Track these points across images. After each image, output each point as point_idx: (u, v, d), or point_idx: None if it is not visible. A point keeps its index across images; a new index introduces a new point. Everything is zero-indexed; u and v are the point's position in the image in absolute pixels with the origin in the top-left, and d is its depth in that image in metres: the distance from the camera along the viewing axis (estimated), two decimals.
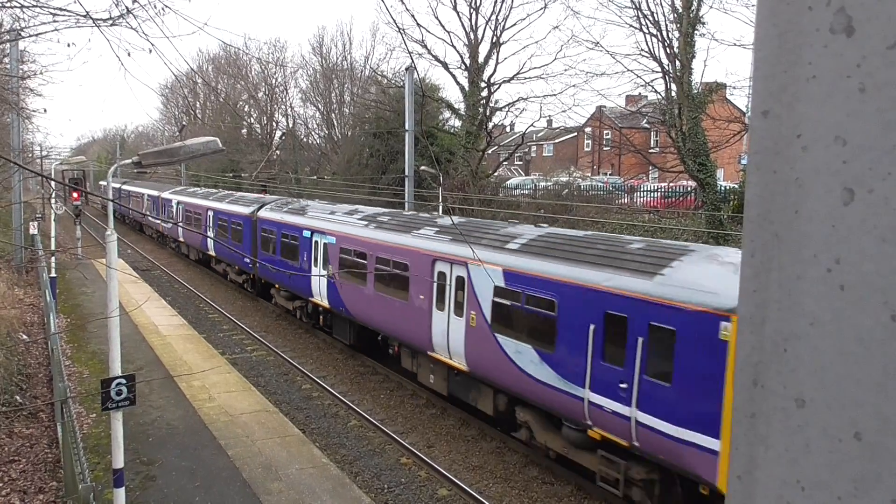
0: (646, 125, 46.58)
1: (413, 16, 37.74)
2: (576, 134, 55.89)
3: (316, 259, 21.10)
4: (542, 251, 12.74)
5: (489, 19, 33.51)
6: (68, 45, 9.63)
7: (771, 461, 0.84)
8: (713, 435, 9.15)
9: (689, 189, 27.99)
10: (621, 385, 10.52)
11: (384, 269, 17.05)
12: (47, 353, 17.53)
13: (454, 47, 35.61)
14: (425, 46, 35.03)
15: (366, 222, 19.13)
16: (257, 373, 19.10)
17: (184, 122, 72.29)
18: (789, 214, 0.81)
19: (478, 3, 33.62)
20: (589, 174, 45.36)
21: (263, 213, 26.01)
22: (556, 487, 12.61)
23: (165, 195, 42.40)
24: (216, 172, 54.32)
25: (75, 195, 31.47)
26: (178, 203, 38.73)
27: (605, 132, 46.30)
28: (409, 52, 23.74)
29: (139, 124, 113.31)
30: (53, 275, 23.03)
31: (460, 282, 14.32)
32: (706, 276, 9.82)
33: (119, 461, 8.30)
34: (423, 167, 31.91)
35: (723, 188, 25.79)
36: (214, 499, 10.23)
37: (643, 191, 31.02)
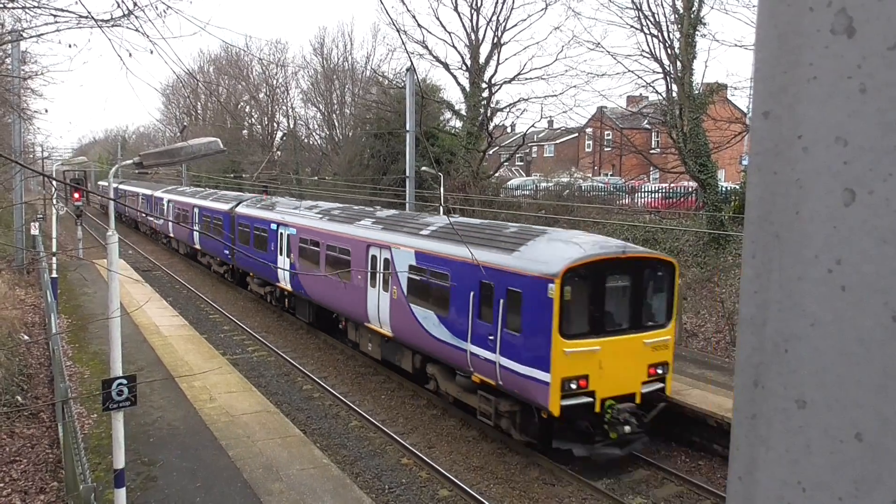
0: (647, 126, 46.56)
1: (414, 17, 37.81)
2: (577, 135, 55.87)
3: (281, 248, 23.93)
4: (444, 236, 15.54)
5: (490, 20, 33.55)
6: (70, 46, 9.64)
7: (772, 462, 0.84)
8: (546, 370, 12.01)
9: (690, 190, 27.98)
10: (490, 337, 13.25)
11: (333, 255, 20.11)
12: (48, 353, 17.54)
13: (455, 48, 35.72)
14: (426, 47, 35.19)
15: (320, 216, 22.19)
16: (258, 373, 19.11)
17: (185, 123, 72.34)
18: (790, 215, 0.81)
19: (479, 4, 33.66)
20: (590, 175, 45.35)
21: (240, 210, 28.90)
22: (556, 488, 12.61)
23: (158, 194, 44.72)
24: (217, 173, 54.33)
25: (76, 196, 31.46)
26: (169, 201, 41.12)
27: (606, 133, 46.28)
28: (409, 54, 23.78)
29: (140, 125, 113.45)
30: (55, 275, 23.04)
31: (386, 263, 17.16)
32: (545, 252, 12.86)
33: (120, 461, 8.30)
34: (423, 168, 31.92)
35: (724, 189, 25.79)
36: (215, 499, 10.23)
37: (644, 191, 31.02)
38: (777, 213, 0.82)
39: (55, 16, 11.46)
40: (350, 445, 14.40)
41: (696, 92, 23.33)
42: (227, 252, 29.73)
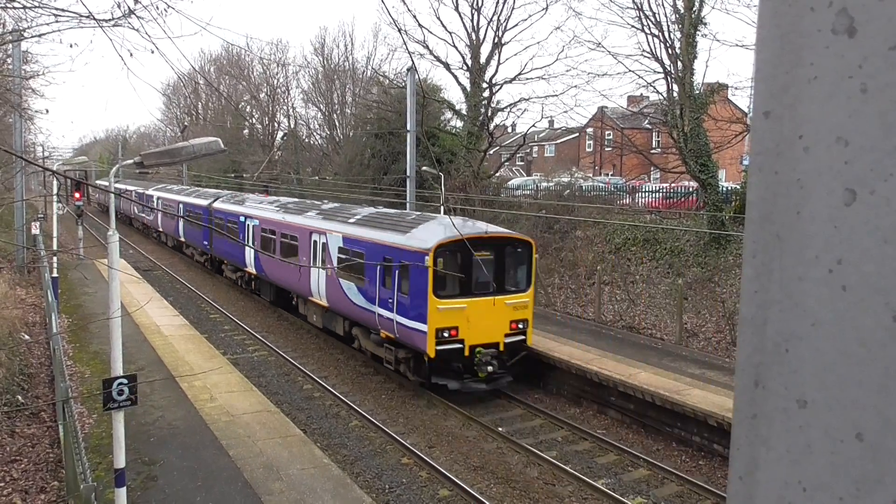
0: (647, 126, 46.54)
1: (415, 16, 37.76)
2: (577, 134, 55.84)
3: (247, 238, 27.78)
4: (364, 222, 19.43)
5: (491, 20, 33.54)
6: (71, 46, 9.64)
7: (772, 462, 0.84)
8: (424, 322, 15.71)
9: (690, 190, 27.98)
10: (389, 301, 16.95)
11: (286, 242, 23.77)
12: (49, 353, 17.54)
13: (456, 48, 35.79)
14: (427, 47, 35.15)
15: (277, 209, 25.89)
16: (259, 373, 19.11)
17: (186, 123, 72.34)
18: (791, 215, 0.81)
19: (479, 4, 33.64)
20: (590, 175, 45.32)
21: (217, 205, 32.48)
22: (557, 488, 12.61)
23: (149, 192, 47.91)
24: (218, 173, 54.31)
25: (77, 195, 31.51)
26: (158, 198, 44.75)
27: (607, 133, 46.24)
28: (410, 54, 23.75)
29: (141, 125, 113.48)
30: (55, 275, 23.03)
31: (324, 246, 20.74)
32: (426, 233, 16.62)
33: (120, 461, 8.31)
34: (424, 168, 31.91)
35: (724, 189, 25.77)
36: (216, 499, 10.23)
37: (645, 191, 31.00)
38: (778, 213, 0.82)
39: (56, 15, 11.45)
40: (350, 445, 14.41)
41: (697, 92, 23.31)
42: (206, 242, 33.39)
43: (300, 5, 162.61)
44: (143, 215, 49.35)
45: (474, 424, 15.49)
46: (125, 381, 8.12)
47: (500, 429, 15.16)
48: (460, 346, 16.07)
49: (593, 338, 19.62)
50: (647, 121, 43.59)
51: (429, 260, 15.60)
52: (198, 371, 15.68)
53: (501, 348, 16.56)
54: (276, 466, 11.33)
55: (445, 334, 15.88)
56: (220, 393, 14.94)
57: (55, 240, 26.70)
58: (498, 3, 33.43)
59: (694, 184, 25.98)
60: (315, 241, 21.36)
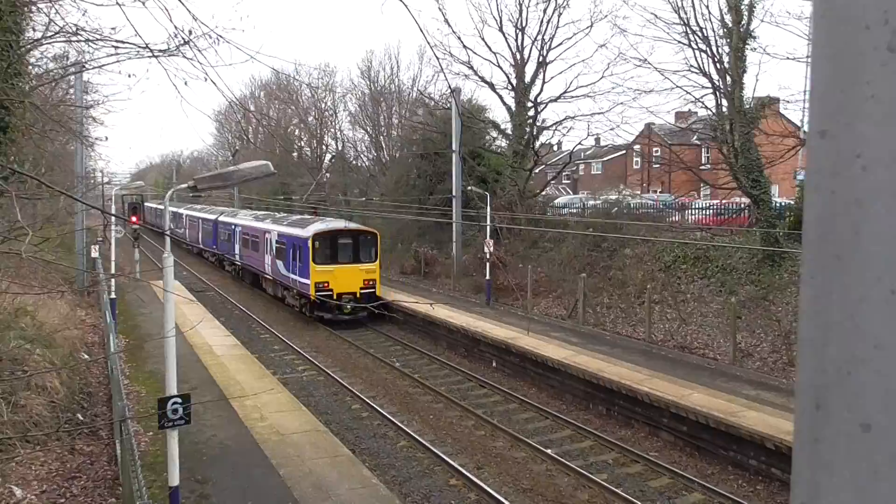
0: (696, 142, 45.80)
1: (459, 38, 37.93)
2: (624, 152, 55.30)
3: (235, 239, 39.20)
4: (287, 224, 31.04)
5: (535, 39, 33.56)
6: (129, 76, 10.03)
7: (836, 488, 0.82)
8: (308, 279, 26.70)
9: (742, 206, 27.37)
10: (294, 269, 28.12)
11: (253, 240, 35.52)
12: (107, 372, 18.05)
13: (500, 68, 35.54)
14: (472, 68, 35.25)
15: (252, 218, 38.29)
16: (308, 392, 19.31)
17: (237, 147, 74.17)
18: (850, 236, 0.79)
19: (524, 24, 33.75)
20: (638, 192, 44.77)
21: (220, 218, 44.41)
22: None
23: (180, 211, 57.41)
24: (268, 195, 55.45)
25: (134, 219, 32.53)
26: (186, 216, 55.02)
27: (655, 149, 45.64)
28: (448, 77, 24.04)
29: (194, 149, 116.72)
30: (113, 296, 23.76)
31: (269, 240, 31.88)
32: (312, 227, 28.33)
33: (175, 479, 8.47)
34: (470, 187, 31.99)
35: (778, 205, 25.13)
36: None
37: (695, 208, 30.44)
38: (836, 233, 0.80)
39: (116, 47, 11.91)
40: (399, 465, 14.40)
41: (747, 106, 22.86)
42: (214, 246, 44.72)
43: (347, 30, 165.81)
44: (177, 229, 57.75)
45: (523, 445, 15.33)
46: (179, 400, 8.30)
47: (549, 450, 14.96)
48: (330, 293, 26.77)
49: (644, 358, 19.27)
50: (695, 137, 42.91)
51: (310, 243, 27.25)
52: (248, 390, 15.94)
53: (358, 295, 27.07)
54: (325, 486, 11.39)
55: (321, 286, 26.87)
56: (270, 412, 15.13)
57: (113, 263, 27.56)
58: (542, 22, 33.43)
59: (746, 200, 25.42)
60: (267, 238, 32.74)
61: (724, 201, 29.83)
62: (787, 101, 25.74)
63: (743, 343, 19.42)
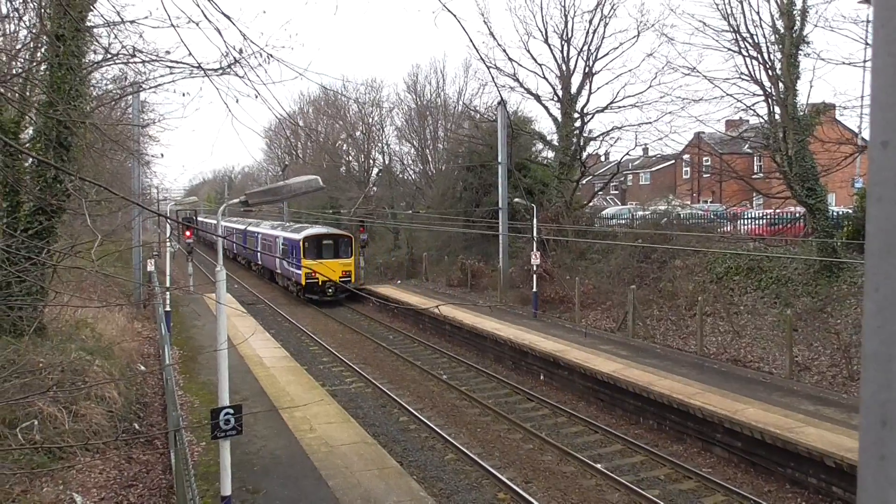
0: (748, 150, 44.83)
1: (504, 50, 37.92)
2: (673, 161, 54.45)
3: (256, 244, 48.13)
4: (289, 231, 41.43)
5: (581, 50, 33.39)
6: (183, 95, 10.35)
7: None
8: (300, 270, 36.35)
9: (797, 215, 26.63)
10: (292, 263, 38.10)
11: (269, 243, 44.84)
12: (162, 383, 18.52)
13: (546, 79, 35.33)
14: (517, 80, 35.23)
15: (269, 227, 47.22)
16: (356, 404, 19.45)
17: (286, 162, 75.56)
18: None
19: (569, 35, 33.63)
20: (688, 202, 43.98)
21: (248, 228, 52.80)
22: None
23: (221, 222, 62.49)
24: (317, 209, 56.35)
25: (188, 234, 33.48)
26: (224, 226, 58.29)
27: (705, 158, 44.82)
28: (499, 88, 24.04)
29: (245, 165, 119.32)
30: (168, 309, 24.41)
31: (279, 244, 41.27)
32: (304, 231, 38.67)
33: (227, 489, 8.62)
34: (516, 199, 31.90)
35: (835, 213, 24.37)
36: None
37: (747, 218, 29.74)
38: None
39: (171, 68, 12.29)
40: (446, 478, 14.36)
41: (801, 113, 22.28)
42: (245, 250, 54.88)
43: (393, 45, 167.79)
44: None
45: (572, 459, 15.14)
46: (231, 411, 8.46)
47: (598, 465, 14.74)
48: (316, 280, 35.85)
49: (695, 371, 18.86)
50: (747, 145, 42.00)
51: (301, 244, 36.86)
52: (298, 402, 16.14)
53: (337, 281, 35.70)
54: (373, 498, 11.44)
55: (309, 276, 35.58)
56: (320, 424, 15.29)
57: (168, 276, 28.32)
58: (588, 33, 33.25)
59: (801, 209, 24.73)
60: (276, 242, 42.51)
61: (777, 210, 29.07)
62: (844, 108, 24.94)
63: (800, 357, 18.84)
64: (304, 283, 36.62)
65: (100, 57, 16.17)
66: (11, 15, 15.55)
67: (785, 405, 15.55)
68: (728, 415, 14.95)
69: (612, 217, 37.23)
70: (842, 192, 39.77)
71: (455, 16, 4.73)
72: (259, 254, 47.82)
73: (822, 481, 13.13)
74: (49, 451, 12.16)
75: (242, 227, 54.79)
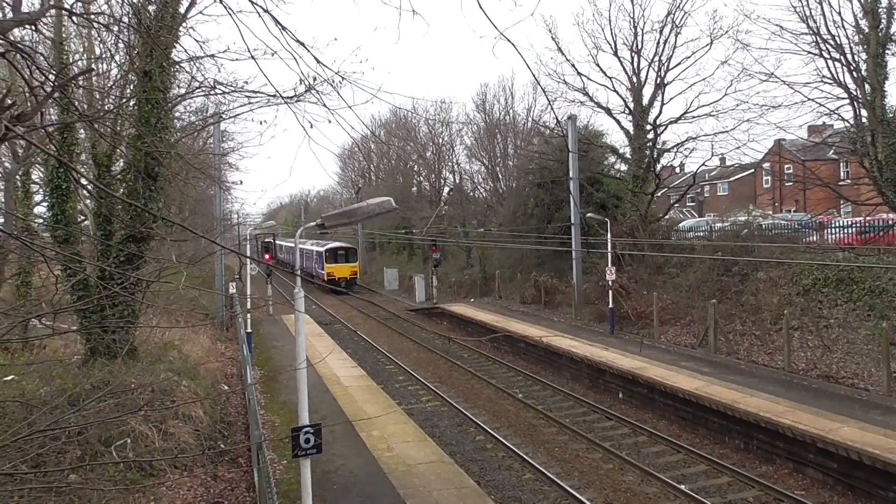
0: (833, 156, 42.90)
1: (573, 65, 37.67)
2: (752, 170, 52.62)
3: (302, 257, 63.57)
4: (319, 245, 59.53)
5: (652, 61, 32.77)
6: (260, 123, 10.76)
7: None
8: (323, 271, 55.87)
9: (890, 222, 25.24)
10: (318, 267, 57.70)
11: (309, 255, 63.12)
12: (244, 402, 19.07)
13: (616, 92, 34.84)
14: (587, 94, 34.88)
15: (313, 244, 62.89)
16: (432, 423, 19.48)
17: (360, 185, 77.11)
18: None
19: (639, 47, 33.10)
20: (770, 212, 42.33)
21: (300, 245, 62.13)
22: None
23: (282, 242, 73.22)
24: (390, 230, 57.30)
25: (267, 256, 34.61)
26: (284, 245, 72.45)
27: (786, 166, 43.13)
28: (553, 111, 23.81)
29: (320, 188, 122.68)
30: (249, 330, 25.17)
31: (313, 254, 60.61)
32: (326, 245, 57.29)
33: None
34: (589, 214, 31.46)
35: None
36: None
37: (835, 227, 28.38)
38: None
39: (249, 97, 12.79)
40: (525, 498, 14.17)
41: (890, 115, 21.20)
42: (297, 265, 61.17)
43: (463, 65, 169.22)
44: (281, 255, 76.37)
45: (654, 480, 14.69)
46: (311, 429, 8.61)
47: (682, 486, 14.24)
48: (334, 277, 54.32)
49: (783, 388, 18.02)
50: (832, 151, 40.19)
51: (324, 253, 55.28)
52: (375, 421, 16.30)
53: (348, 278, 54.55)
54: None
55: (329, 274, 54.55)
56: (397, 443, 15.38)
57: (249, 298, 29.24)
58: (658, 43, 32.63)
59: (894, 216, 23.43)
60: (312, 253, 59.83)
61: (868, 218, 27.62)
62: None
63: None
64: (325, 280, 54.75)
65: (183, 90, 17.00)
66: (104, 55, 16.55)
67: (884, 424, 14.66)
68: (821, 434, 14.21)
69: (690, 230, 36.20)
70: None
71: (513, 44, 4.72)
72: (302, 263, 64.93)
73: None
74: (141, 468, 12.69)
75: (291, 244, 67.77)
